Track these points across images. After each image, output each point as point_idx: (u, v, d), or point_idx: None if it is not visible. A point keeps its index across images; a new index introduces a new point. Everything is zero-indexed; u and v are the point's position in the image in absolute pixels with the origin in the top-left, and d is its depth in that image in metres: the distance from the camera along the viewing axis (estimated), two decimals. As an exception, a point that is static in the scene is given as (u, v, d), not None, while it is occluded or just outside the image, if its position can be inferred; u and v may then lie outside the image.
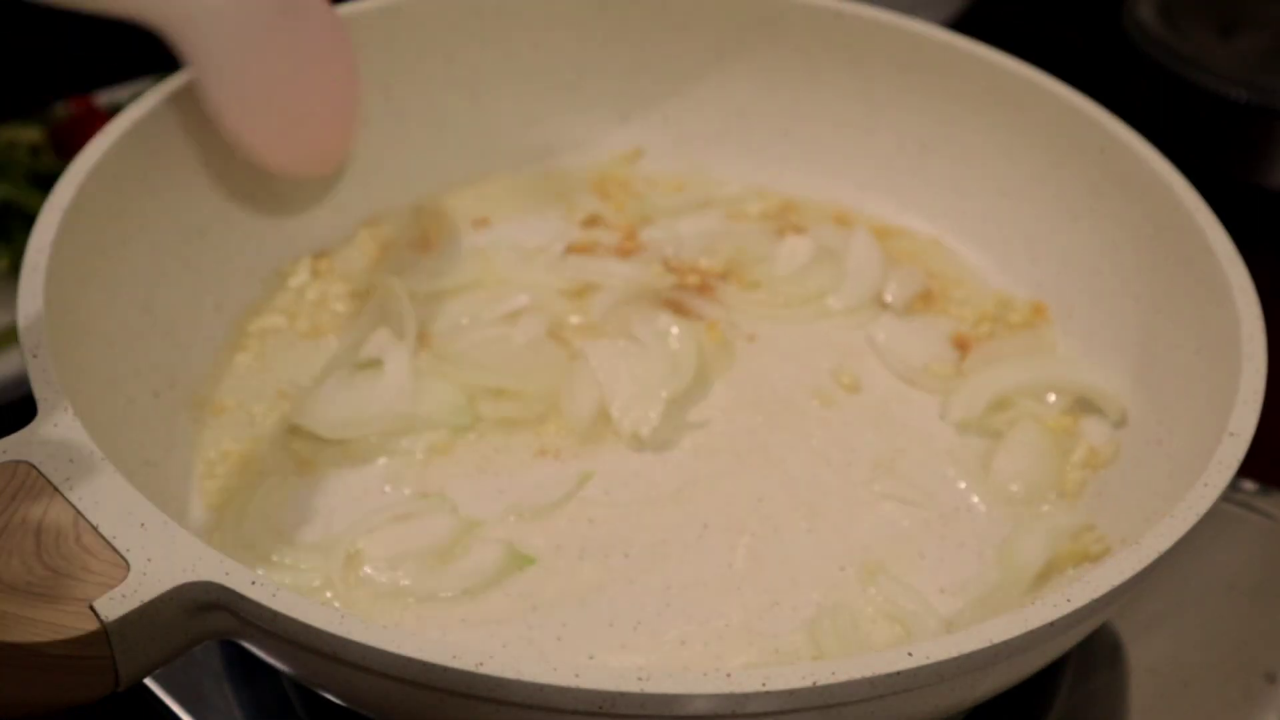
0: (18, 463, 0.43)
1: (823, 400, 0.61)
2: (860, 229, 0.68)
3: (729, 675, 0.38)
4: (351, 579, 0.51)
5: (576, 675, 0.38)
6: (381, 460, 0.56)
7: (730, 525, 0.55)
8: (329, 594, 0.51)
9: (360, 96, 0.64)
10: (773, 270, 0.66)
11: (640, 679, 0.38)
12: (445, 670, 0.38)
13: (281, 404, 0.59)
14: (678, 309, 0.64)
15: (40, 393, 0.45)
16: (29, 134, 0.81)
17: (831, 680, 0.38)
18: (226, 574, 0.40)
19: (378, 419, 0.57)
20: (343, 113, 0.64)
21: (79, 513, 0.41)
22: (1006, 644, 0.40)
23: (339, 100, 0.64)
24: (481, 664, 0.38)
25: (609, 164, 0.72)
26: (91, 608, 0.39)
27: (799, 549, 0.54)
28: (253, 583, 0.40)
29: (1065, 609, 0.41)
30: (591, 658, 0.50)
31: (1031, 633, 0.41)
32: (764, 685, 0.38)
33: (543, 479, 0.56)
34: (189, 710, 0.53)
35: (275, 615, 0.39)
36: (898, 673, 0.39)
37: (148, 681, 0.53)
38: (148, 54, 0.64)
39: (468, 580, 0.52)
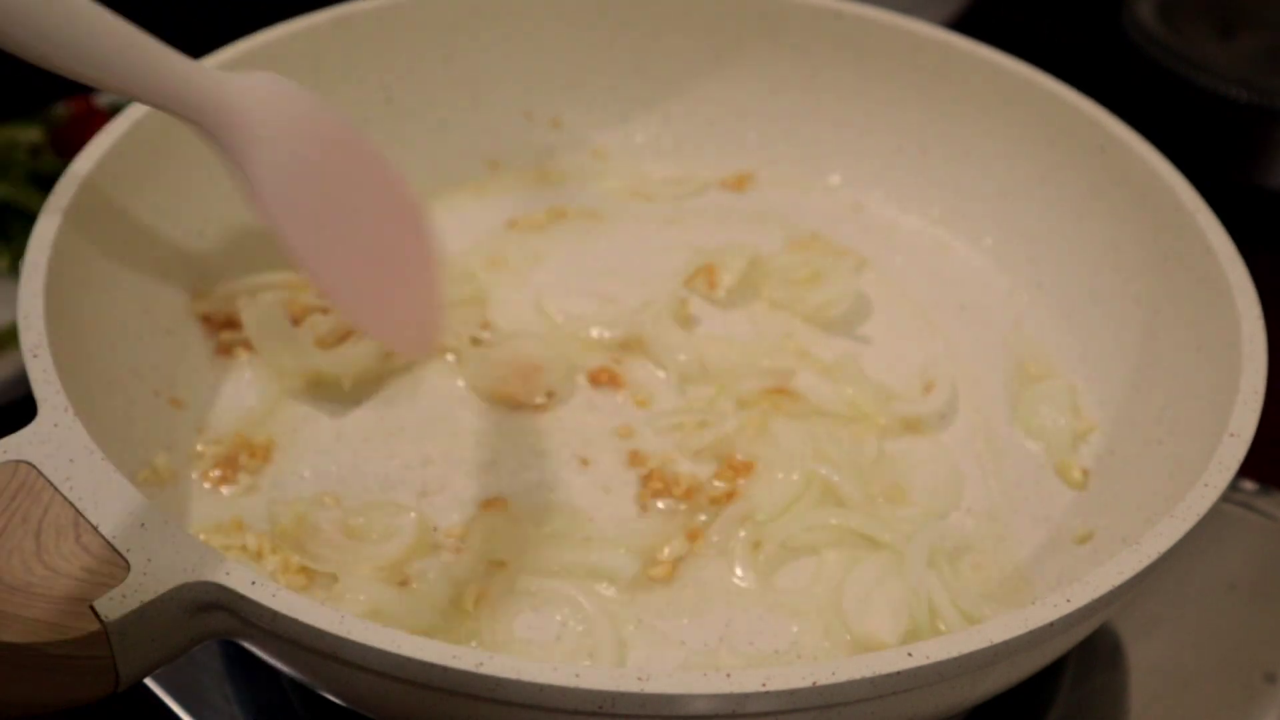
0: (18, 463, 0.42)
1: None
2: None
3: (729, 675, 0.38)
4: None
5: (576, 675, 0.38)
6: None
7: (730, 525, 0.54)
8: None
9: (443, 286, 0.55)
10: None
11: (640, 679, 0.38)
12: (445, 670, 0.38)
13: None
14: None
15: (40, 393, 0.45)
16: (29, 134, 0.81)
17: (831, 680, 0.38)
18: (227, 574, 0.40)
19: None
20: (421, 295, 0.56)
21: (79, 513, 0.41)
22: (1006, 644, 0.40)
23: (414, 278, 0.56)
24: (481, 664, 0.38)
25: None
26: (91, 608, 0.39)
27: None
28: (253, 583, 0.40)
29: (1065, 609, 0.41)
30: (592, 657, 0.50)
31: (1031, 633, 0.41)
32: (764, 685, 0.38)
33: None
34: (189, 710, 0.53)
35: (275, 615, 0.39)
36: (898, 673, 0.39)
37: (148, 681, 0.53)
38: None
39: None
